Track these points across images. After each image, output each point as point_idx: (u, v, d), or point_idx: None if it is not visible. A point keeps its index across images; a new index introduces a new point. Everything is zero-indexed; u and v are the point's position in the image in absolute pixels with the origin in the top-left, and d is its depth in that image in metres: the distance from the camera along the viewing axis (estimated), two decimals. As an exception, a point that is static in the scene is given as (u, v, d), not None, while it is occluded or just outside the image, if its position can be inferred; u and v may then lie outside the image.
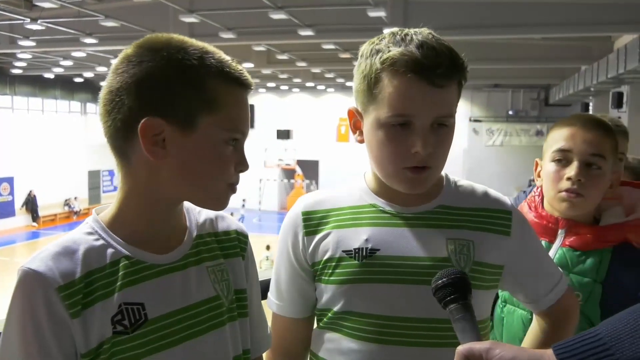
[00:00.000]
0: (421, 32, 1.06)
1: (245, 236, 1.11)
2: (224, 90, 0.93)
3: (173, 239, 1.00)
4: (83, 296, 0.87)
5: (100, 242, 0.93)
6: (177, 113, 0.90)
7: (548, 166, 1.46)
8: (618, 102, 11.88)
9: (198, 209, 1.07)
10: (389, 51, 1.04)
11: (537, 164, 1.54)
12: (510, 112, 23.29)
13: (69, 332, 0.86)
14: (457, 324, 0.89)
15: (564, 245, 1.44)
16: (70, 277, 0.87)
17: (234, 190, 0.98)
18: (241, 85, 0.96)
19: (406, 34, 1.05)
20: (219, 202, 0.98)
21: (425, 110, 1.04)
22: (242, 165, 0.98)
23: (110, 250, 0.93)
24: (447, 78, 1.04)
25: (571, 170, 1.40)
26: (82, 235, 0.93)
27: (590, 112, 15.80)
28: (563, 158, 1.42)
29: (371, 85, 1.07)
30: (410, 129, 1.05)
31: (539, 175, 1.53)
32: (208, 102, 0.91)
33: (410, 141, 1.05)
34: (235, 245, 1.08)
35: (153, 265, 0.95)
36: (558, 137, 1.44)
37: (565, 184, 1.41)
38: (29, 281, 0.85)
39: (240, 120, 0.96)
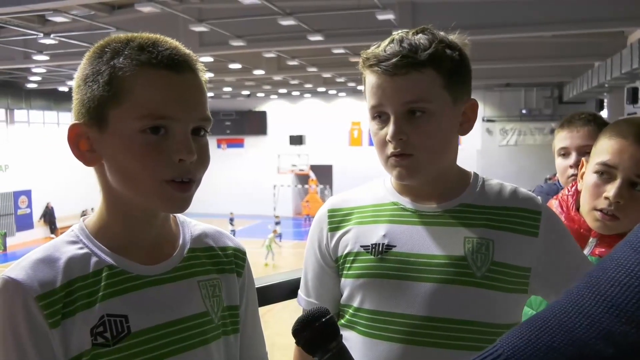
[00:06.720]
0: (417, 30, 1.10)
1: (244, 253, 1.08)
2: (133, 76, 0.85)
3: (162, 251, 0.96)
4: (63, 305, 0.85)
5: (84, 250, 0.90)
6: (91, 113, 0.88)
7: (589, 176, 1.35)
8: (633, 97, 11.73)
9: (194, 222, 1.05)
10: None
11: (582, 164, 1.44)
12: (524, 111, 23.05)
13: (48, 341, 0.83)
14: None
15: (594, 255, 1.38)
16: (50, 286, 0.85)
17: (182, 188, 0.88)
18: (157, 65, 0.85)
19: (401, 36, 1.10)
20: (162, 201, 0.89)
21: (390, 98, 1.08)
22: (180, 153, 0.85)
23: (94, 259, 0.89)
24: (402, 67, 1.06)
25: (611, 190, 1.30)
26: (66, 243, 0.91)
27: (605, 108, 15.59)
28: (606, 173, 1.32)
29: (363, 84, 1.15)
30: (388, 121, 1.10)
31: (582, 177, 1.42)
32: (114, 94, 0.85)
33: (386, 131, 1.10)
34: (231, 261, 1.04)
35: (139, 277, 0.91)
36: (605, 148, 1.33)
37: (603, 203, 1.32)
38: (9, 290, 0.84)
39: (158, 104, 0.85)
